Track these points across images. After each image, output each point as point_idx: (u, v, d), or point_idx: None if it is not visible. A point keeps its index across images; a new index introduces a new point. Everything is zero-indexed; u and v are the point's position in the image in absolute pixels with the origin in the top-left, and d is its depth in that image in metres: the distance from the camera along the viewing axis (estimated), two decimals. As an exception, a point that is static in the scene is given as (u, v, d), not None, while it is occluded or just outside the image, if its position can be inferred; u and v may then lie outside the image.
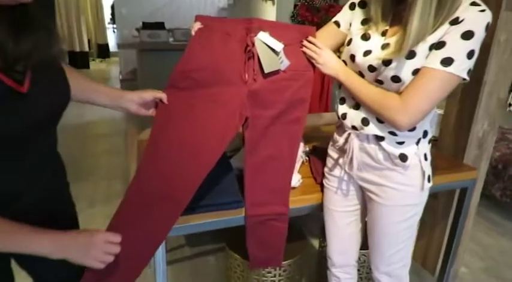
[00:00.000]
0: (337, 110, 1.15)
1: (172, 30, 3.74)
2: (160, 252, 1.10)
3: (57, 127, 0.91)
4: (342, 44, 1.14)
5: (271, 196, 1.16)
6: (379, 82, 0.99)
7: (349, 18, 1.11)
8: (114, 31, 8.31)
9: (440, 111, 1.90)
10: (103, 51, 8.15)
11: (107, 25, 8.10)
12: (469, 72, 0.90)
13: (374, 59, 0.98)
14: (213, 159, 1.03)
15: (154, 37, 3.50)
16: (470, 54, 0.87)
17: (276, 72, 1.10)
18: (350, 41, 1.07)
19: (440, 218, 1.92)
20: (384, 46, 0.98)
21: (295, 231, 1.31)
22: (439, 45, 0.89)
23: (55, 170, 0.97)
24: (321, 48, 1.09)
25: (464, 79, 0.90)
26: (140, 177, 1.03)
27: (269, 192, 1.16)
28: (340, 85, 1.10)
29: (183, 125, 1.08)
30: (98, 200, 2.67)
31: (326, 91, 3.30)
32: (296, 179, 1.27)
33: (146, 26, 3.56)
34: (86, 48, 7.46)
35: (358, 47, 1.03)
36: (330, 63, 1.07)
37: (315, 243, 2.21)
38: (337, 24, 1.14)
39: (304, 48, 1.11)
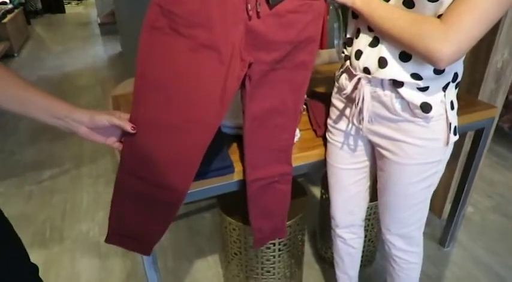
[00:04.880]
0: (340, 49, 0.92)
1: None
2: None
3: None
4: None
5: (273, 155, 1.01)
6: (409, 4, 0.75)
7: None
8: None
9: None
10: (78, -8, 7.50)
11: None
12: None
13: None
14: (217, 121, 0.86)
15: (126, -28, 3.08)
16: None
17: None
18: None
19: (451, 158, 1.79)
20: None
21: (293, 187, 1.16)
22: None
23: None
24: None
25: None
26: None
27: (271, 151, 1.00)
28: (356, 16, 0.86)
29: (171, 79, 0.85)
30: (84, 159, 2.53)
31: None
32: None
33: (116, -41, 3.11)
34: (59, -10, 6.84)
35: None
36: None
37: (316, 192, 2.11)
38: None
39: None
